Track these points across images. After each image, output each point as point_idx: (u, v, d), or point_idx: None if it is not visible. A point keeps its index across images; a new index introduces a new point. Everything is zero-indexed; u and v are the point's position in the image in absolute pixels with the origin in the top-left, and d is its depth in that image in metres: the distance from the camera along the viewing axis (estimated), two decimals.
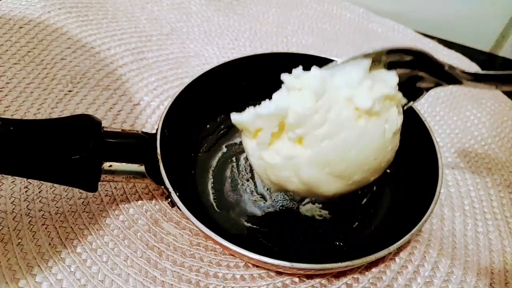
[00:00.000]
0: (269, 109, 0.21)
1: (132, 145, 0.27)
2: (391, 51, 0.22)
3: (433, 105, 0.42)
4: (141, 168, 0.26)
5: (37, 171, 0.23)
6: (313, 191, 0.23)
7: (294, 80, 0.21)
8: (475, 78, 0.22)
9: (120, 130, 0.27)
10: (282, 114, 0.21)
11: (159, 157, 0.26)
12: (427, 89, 0.25)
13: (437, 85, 0.24)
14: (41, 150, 0.23)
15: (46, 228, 0.28)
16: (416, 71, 0.24)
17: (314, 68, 0.22)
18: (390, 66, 0.23)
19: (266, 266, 0.27)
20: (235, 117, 0.23)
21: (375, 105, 0.20)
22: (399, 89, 0.23)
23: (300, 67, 0.22)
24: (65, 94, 0.37)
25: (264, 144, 0.22)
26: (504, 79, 0.21)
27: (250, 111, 0.22)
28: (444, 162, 0.37)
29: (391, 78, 0.22)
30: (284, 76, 0.22)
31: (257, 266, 0.28)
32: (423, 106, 0.42)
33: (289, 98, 0.21)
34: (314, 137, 0.21)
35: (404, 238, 0.24)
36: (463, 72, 0.22)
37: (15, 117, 0.34)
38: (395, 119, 0.22)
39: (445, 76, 0.23)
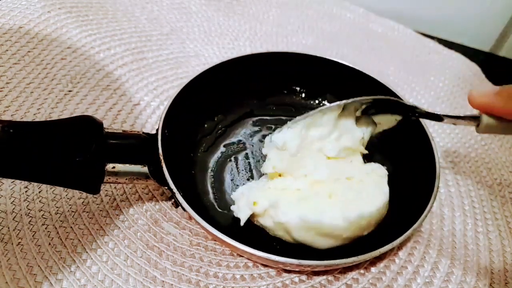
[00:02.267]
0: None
1: (134, 146, 0.27)
2: (364, 101, 0.28)
3: (433, 105, 0.42)
4: (144, 169, 0.26)
5: (39, 174, 0.23)
6: (308, 245, 0.26)
7: (279, 141, 0.28)
8: (431, 117, 0.27)
9: (121, 131, 0.27)
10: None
11: (161, 158, 0.26)
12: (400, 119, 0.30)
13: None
14: (42, 153, 0.22)
15: (46, 228, 0.28)
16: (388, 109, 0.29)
17: (295, 129, 0.28)
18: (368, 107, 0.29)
19: (271, 264, 0.27)
20: (234, 210, 0.28)
21: (340, 153, 0.27)
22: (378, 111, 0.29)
23: (284, 130, 0.28)
24: (65, 94, 0.37)
25: (258, 213, 0.27)
26: (460, 118, 0.26)
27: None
28: (444, 162, 0.37)
29: (357, 133, 0.29)
30: (271, 138, 0.29)
31: (257, 266, 0.28)
32: (423, 106, 0.42)
33: (274, 155, 0.28)
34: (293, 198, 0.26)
35: (406, 233, 0.24)
36: (427, 112, 0.28)
37: (15, 117, 0.34)
38: (359, 159, 0.29)
39: (416, 113, 0.29)
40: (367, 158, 0.31)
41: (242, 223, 0.26)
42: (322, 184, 0.26)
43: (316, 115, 0.28)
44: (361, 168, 0.28)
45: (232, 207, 0.28)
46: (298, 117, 0.28)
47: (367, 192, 0.25)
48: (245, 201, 0.27)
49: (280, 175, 0.28)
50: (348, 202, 0.25)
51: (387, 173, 0.28)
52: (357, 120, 0.30)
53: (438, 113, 0.27)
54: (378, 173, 0.27)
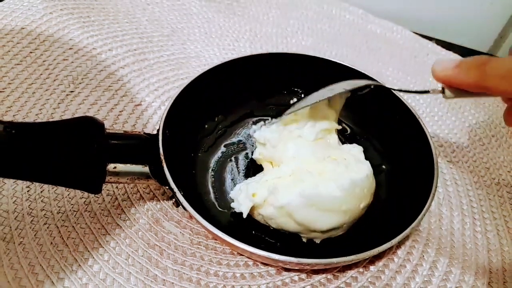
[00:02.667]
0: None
1: (135, 146, 0.27)
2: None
3: (432, 106, 0.43)
4: (145, 169, 0.27)
5: (41, 174, 0.23)
6: (309, 228, 0.27)
7: (260, 138, 0.31)
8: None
9: (122, 132, 0.27)
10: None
11: (162, 158, 0.27)
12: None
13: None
14: (44, 153, 0.23)
15: (48, 228, 0.28)
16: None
17: (272, 127, 0.31)
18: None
19: (272, 263, 0.27)
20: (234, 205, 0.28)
21: (318, 135, 0.29)
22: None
23: (262, 129, 0.31)
24: (67, 95, 0.37)
25: (259, 204, 0.27)
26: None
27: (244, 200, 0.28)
28: (442, 162, 0.37)
29: (330, 114, 0.31)
30: (255, 135, 0.31)
31: (257, 265, 0.28)
32: (422, 106, 0.42)
33: (260, 149, 0.31)
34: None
35: (405, 231, 0.25)
36: (392, 89, 0.29)
37: (17, 117, 0.34)
38: (335, 137, 0.31)
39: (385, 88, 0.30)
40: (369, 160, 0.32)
41: (244, 215, 0.27)
42: (311, 165, 0.28)
43: (289, 116, 0.30)
44: (340, 148, 0.30)
45: (232, 204, 0.28)
46: (273, 120, 0.31)
47: (352, 165, 0.28)
48: (244, 195, 0.27)
49: (272, 164, 0.30)
50: (338, 175, 0.27)
51: (362, 148, 0.30)
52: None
53: (406, 88, 0.28)
54: (355, 151, 0.30)
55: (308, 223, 0.26)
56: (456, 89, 0.24)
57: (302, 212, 0.26)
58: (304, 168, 0.27)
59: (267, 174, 0.29)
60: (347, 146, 0.31)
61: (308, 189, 0.26)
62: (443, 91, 0.25)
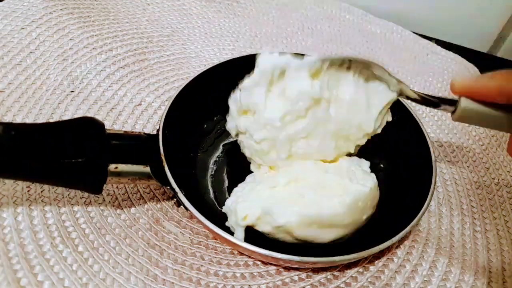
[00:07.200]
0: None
1: (136, 146, 0.27)
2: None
3: None
4: (146, 169, 0.27)
5: (41, 175, 0.23)
6: (309, 242, 0.26)
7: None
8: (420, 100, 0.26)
9: (122, 132, 0.27)
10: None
11: (163, 158, 0.27)
12: None
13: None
14: (45, 154, 0.22)
15: (48, 228, 0.28)
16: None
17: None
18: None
19: (273, 261, 0.27)
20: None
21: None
22: None
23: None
24: (67, 95, 0.37)
25: (253, 223, 0.26)
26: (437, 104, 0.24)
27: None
28: (442, 161, 0.37)
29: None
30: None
31: (257, 265, 0.28)
32: (421, 106, 0.42)
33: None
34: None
35: (405, 229, 0.25)
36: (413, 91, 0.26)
37: (17, 118, 0.34)
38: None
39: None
40: (365, 158, 0.31)
41: (241, 243, 0.25)
42: (312, 176, 0.26)
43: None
44: (347, 160, 0.29)
45: (227, 223, 0.27)
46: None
47: (357, 178, 0.26)
48: (234, 219, 0.26)
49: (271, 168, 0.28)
50: (342, 189, 0.25)
51: (369, 163, 0.29)
52: None
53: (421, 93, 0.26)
54: (362, 164, 0.29)
55: (308, 238, 0.25)
56: (471, 105, 0.22)
57: (302, 230, 0.25)
58: (305, 180, 0.26)
59: (259, 182, 0.27)
60: (356, 158, 0.29)
61: (308, 209, 0.24)
62: (454, 111, 0.23)
